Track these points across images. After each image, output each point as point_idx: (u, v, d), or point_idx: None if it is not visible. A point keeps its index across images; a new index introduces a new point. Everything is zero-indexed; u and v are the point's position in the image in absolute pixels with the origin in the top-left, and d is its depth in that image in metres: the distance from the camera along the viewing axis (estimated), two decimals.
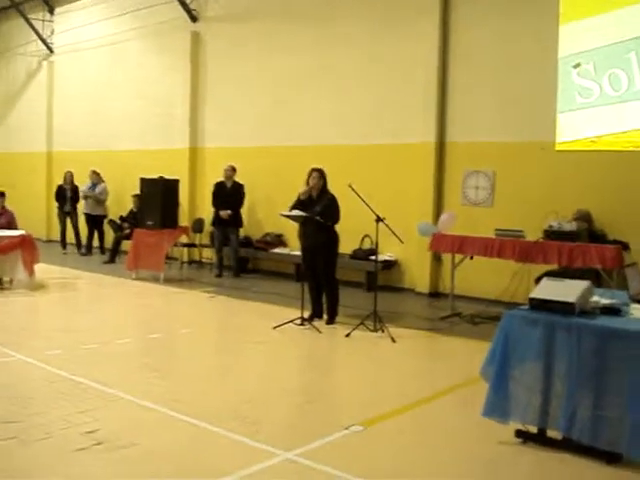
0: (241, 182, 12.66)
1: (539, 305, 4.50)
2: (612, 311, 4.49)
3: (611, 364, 4.16)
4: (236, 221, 12.58)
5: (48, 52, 18.36)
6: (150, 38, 15.34)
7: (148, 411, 5.08)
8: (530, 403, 4.46)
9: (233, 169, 12.69)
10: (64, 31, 17.76)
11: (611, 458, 4.19)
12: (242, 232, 12.85)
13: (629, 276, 7.79)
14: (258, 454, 4.30)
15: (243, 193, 12.68)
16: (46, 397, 5.32)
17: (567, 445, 4.36)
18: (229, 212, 12.42)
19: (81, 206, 15.62)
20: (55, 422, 4.73)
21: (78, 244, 15.67)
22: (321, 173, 8.44)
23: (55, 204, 16.13)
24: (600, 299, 4.59)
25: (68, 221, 15.89)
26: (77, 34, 17.20)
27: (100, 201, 15.26)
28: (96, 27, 16.61)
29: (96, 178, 15.31)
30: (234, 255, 12.61)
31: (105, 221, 15.37)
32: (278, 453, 4.31)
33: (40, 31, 18.18)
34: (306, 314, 8.33)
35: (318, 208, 8.26)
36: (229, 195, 12.60)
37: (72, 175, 15.82)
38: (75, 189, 15.72)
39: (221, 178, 12.72)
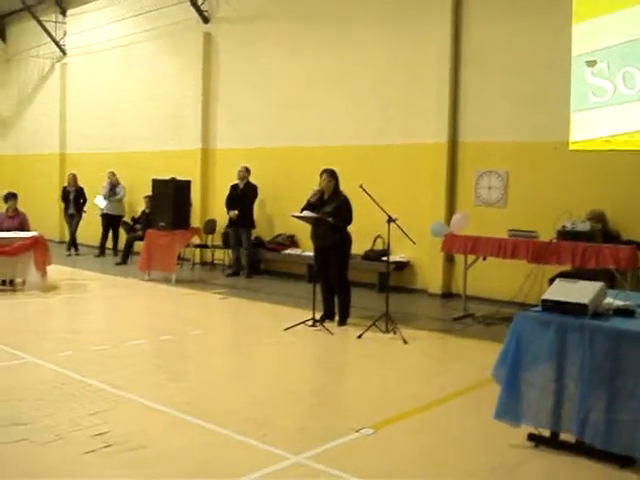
0: (254, 183, 12.67)
1: (552, 306, 4.44)
2: (626, 313, 4.42)
3: (624, 367, 4.10)
4: (246, 221, 12.57)
5: (61, 54, 18.45)
6: (162, 39, 15.37)
7: (158, 413, 5.07)
8: (542, 406, 4.40)
9: (246, 170, 12.72)
10: (76, 33, 17.86)
11: (625, 462, 4.14)
12: (254, 233, 12.83)
13: None
14: (268, 457, 4.27)
15: (255, 194, 12.70)
16: (56, 399, 5.31)
17: (580, 449, 4.31)
18: (236, 212, 12.45)
19: (91, 208, 15.59)
20: (65, 424, 4.73)
21: (73, 244, 15.63)
22: (332, 174, 8.40)
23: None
24: (614, 300, 4.54)
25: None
26: (89, 36, 17.30)
27: (120, 202, 15.31)
28: (108, 29, 16.70)
29: (114, 179, 15.30)
30: (246, 256, 12.60)
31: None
32: (288, 456, 4.29)
33: (53, 33, 18.26)
34: (318, 315, 8.31)
35: (329, 209, 8.24)
36: (240, 196, 12.62)
37: (75, 177, 15.77)
38: (79, 190, 15.67)
39: (236, 180, 12.75)
